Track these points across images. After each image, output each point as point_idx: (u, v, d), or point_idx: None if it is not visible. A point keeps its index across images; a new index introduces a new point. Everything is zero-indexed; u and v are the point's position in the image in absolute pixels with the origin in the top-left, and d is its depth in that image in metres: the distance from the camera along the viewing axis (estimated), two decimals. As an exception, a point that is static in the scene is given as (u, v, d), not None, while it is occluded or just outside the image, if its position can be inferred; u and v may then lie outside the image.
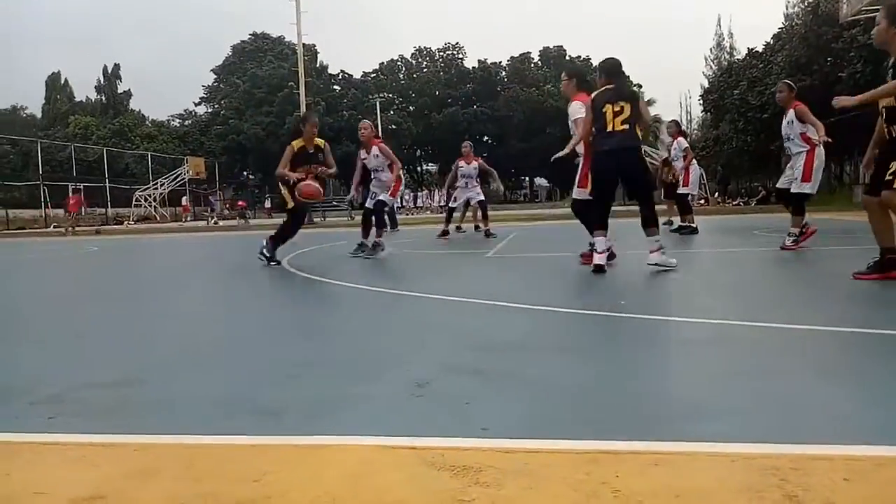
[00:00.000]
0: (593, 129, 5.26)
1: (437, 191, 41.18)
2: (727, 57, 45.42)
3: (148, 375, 2.54)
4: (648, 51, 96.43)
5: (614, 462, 1.52)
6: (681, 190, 10.03)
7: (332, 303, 4.57)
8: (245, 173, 58.82)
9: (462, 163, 10.87)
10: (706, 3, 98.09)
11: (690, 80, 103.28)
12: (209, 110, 63.13)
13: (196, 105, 63.92)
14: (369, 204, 7.70)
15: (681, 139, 10.52)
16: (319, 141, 6.95)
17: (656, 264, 5.06)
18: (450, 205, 11.21)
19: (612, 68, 5.30)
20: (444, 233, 10.88)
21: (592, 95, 5.29)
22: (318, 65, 60.29)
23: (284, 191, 6.83)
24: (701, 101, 40.36)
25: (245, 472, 1.54)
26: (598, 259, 5.13)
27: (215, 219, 31.01)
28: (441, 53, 65.82)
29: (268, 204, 41.00)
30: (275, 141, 54.80)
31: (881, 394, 1.99)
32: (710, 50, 49.37)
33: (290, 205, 6.82)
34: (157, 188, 38.67)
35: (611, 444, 1.60)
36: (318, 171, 6.83)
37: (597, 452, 1.57)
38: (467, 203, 11.03)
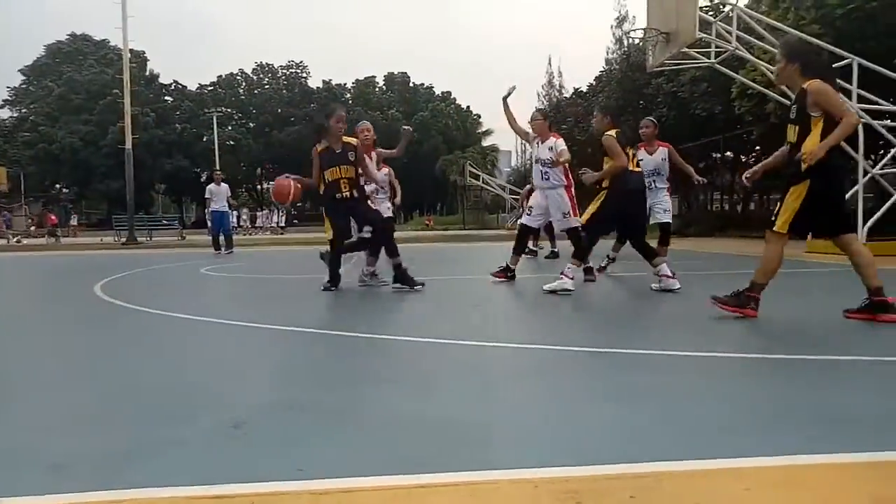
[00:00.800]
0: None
1: (277, 210, 39.89)
2: (557, 94, 49.20)
3: None
4: (487, 83, 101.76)
5: (425, 495, 1.54)
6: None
7: (144, 334, 4.18)
8: (58, 186, 52.88)
9: None
10: (542, 40, 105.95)
11: (525, 113, 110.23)
12: (15, 114, 56.25)
13: (-1, 108, 56.65)
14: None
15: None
16: (351, 139, 5.85)
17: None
18: None
19: (615, 113, 6.00)
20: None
21: (615, 134, 5.61)
22: (147, 73, 56.27)
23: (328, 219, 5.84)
24: (533, 134, 43.16)
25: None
26: (567, 283, 5.48)
27: (18, 237, 27.46)
28: (284, 71, 64.51)
29: (74, 221, 37.13)
30: (94, 151, 50.10)
31: (667, 411, 2.22)
32: (542, 86, 53.20)
33: (329, 234, 5.85)
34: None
35: (422, 478, 1.62)
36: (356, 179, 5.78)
37: (410, 487, 1.58)
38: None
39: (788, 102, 11.30)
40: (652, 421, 2.12)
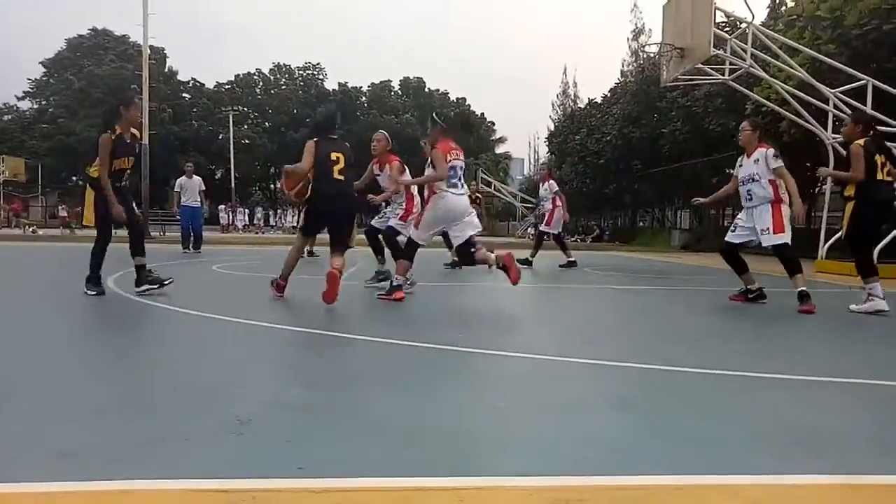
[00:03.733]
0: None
1: (290, 210, 40.16)
2: (571, 104, 49.20)
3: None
4: (504, 90, 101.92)
5: (422, 499, 1.59)
6: (542, 228, 10.87)
7: (152, 329, 4.26)
8: (74, 178, 53.46)
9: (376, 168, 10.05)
10: (558, 50, 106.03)
11: (540, 121, 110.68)
12: (35, 106, 56.94)
13: (19, 99, 57.36)
14: (378, 224, 6.89)
15: (552, 182, 11.19)
16: (136, 132, 5.86)
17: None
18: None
19: (868, 121, 5.81)
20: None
21: (863, 144, 5.33)
22: (166, 69, 56.80)
23: (90, 194, 5.59)
24: (547, 143, 43.39)
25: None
26: (881, 303, 5.23)
27: (33, 228, 27.77)
28: (301, 72, 64.91)
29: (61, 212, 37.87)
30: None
31: (664, 426, 2.26)
32: (557, 96, 53.28)
33: (93, 220, 5.59)
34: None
35: (420, 481, 1.67)
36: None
37: (408, 490, 1.63)
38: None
39: (801, 121, 11.21)
40: (644, 433, 2.16)
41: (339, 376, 2.93)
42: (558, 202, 10.74)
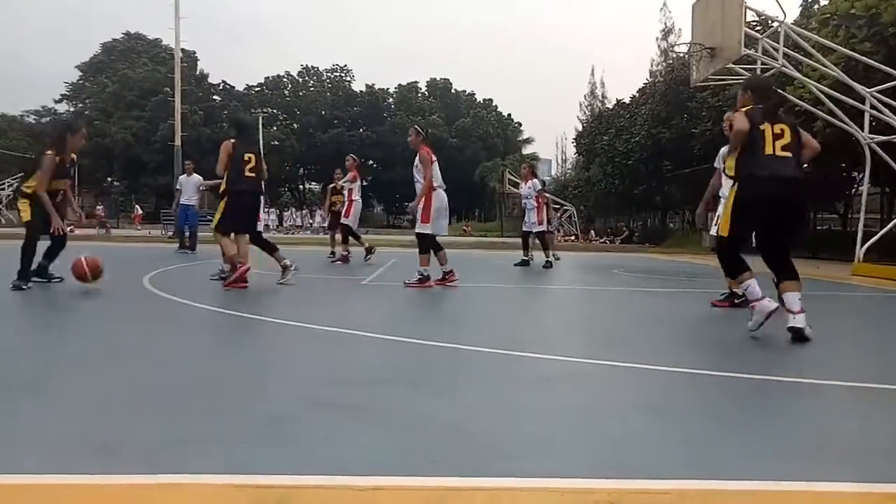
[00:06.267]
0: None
1: (318, 210, 40.55)
2: (599, 104, 48.85)
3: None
4: (531, 90, 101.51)
5: (455, 498, 1.62)
6: (538, 228, 10.86)
7: (191, 328, 4.37)
8: (109, 179, 54.81)
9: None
10: (586, 50, 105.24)
11: (567, 122, 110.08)
12: (72, 109, 58.52)
13: (56, 102, 59.01)
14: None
15: (535, 181, 11.39)
16: (74, 155, 6.29)
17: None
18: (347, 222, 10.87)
19: (762, 86, 4.38)
20: (343, 256, 10.68)
21: (745, 111, 4.14)
22: (197, 72, 57.83)
23: (25, 201, 5.99)
24: (574, 144, 43.16)
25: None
26: (766, 306, 4.05)
27: (71, 227, 28.45)
28: (329, 74, 65.55)
29: (138, 210, 39.04)
30: (145, 147, 51.78)
31: (694, 430, 2.26)
32: (585, 96, 53.00)
33: (27, 217, 5.96)
34: (3, 189, 34.98)
35: (455, 481, 1.70)
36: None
37: (443, 489, 1.66)
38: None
39: (836, 121, 11.07)
40: (673, 437, 2.16)
41: (370, 376, 2.97)
42: (542, 200, 11.01)
